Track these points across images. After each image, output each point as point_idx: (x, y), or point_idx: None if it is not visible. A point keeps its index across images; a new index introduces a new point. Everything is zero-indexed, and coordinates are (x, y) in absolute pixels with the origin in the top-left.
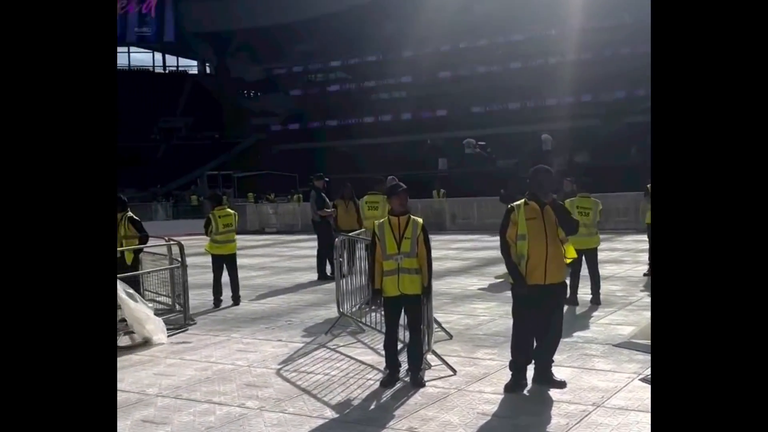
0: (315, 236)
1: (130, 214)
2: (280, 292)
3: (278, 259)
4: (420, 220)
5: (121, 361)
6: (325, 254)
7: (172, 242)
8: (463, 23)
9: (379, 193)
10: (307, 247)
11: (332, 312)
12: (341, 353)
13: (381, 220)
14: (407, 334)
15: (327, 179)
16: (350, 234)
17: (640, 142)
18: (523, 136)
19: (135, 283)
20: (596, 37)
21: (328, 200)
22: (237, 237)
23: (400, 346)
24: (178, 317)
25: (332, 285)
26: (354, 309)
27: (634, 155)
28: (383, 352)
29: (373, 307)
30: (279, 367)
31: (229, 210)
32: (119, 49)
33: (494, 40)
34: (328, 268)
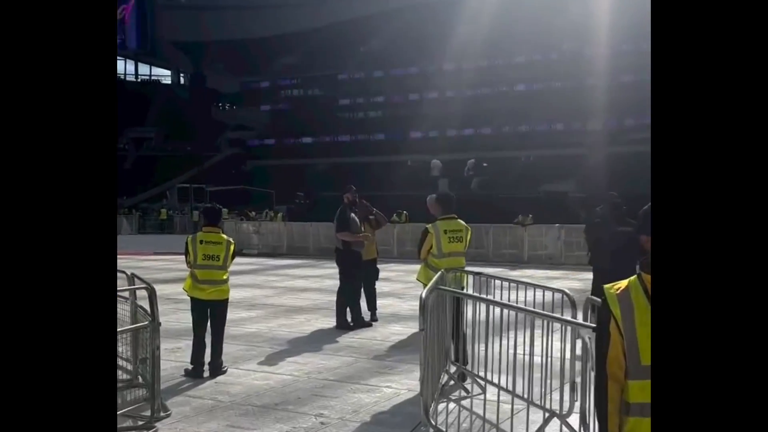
0: (308, 263)
1: None
2: (287, 349)
3: (270, 292)
4: None
5: None
6: (349, 296)
7: (139, 285)
8: (448, 43)
9: (455, 218)
10: (302, 276)
11: (381, 397)
12: None
13: (621, 285)
14: None
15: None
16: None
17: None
18: (506, 162)
19: None
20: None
21: (357, 221)
22: None
23: None
24: (142, 404)
25: (359, 339)
26: (435, 394)
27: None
28: None
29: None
30: None
31: (221, 235)
32: None
33: (479, 62)
34: (349, 315)
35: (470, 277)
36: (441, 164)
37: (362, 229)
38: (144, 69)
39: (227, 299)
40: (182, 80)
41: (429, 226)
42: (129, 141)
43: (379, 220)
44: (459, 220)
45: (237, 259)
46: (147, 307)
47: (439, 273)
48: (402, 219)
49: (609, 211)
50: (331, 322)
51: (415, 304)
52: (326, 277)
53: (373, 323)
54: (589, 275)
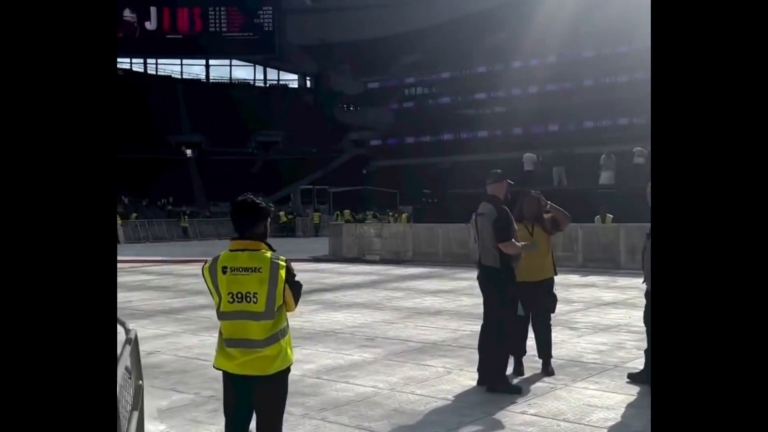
0: (436, 272)
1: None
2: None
3: (393, 316)
4: None
5: None
6: (503, 336)
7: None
8: (572, 35)
9: None
10: (432, 290)
11: None
12: None
13: None
14: None
15: (511, 182)
16: None
17: None
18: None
19: None
20: None
21: (515, 224)
22: (325, 267)
23: None
24: None
25: (539, 419)
26: None
27: None
28: None
29: None
30: None
31: (261, 254)
32: (221, 62)
33: (601, 51)
34: (510, 368)
35: None
36: (536, 157)
37: (531, 233)
38: (272, 74)
39: (280, 374)
40: (308, 83)
41: None
42: (257, 145)
43: (559, 220)
44: None
45: (353, 265)
46: None
47: None
48: (604, 220)
49: None
50: None
51: (598, 340)
52: (461, 292)
53: (548, 377)
54: None
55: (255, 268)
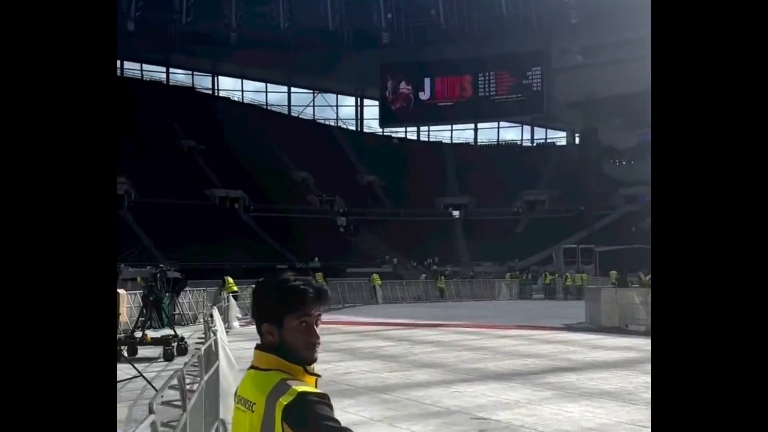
0: None
1: None
2: None
3: (642, 415)
4: None
5: None
6: None
7: None
8: None
9: None
10: None
11: None
12: None
13: None
14: None
15: None
16: None
17: None
18: None
19: None
20: None
21: None
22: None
23: None
24: None
25: None
26: None
27: None
28: None
29: None
30: None
31: (270, 377)
32: (488, 125)
33: None
34: None
35: None
36: None
37: None
38: (539, 133)
39: None
40: (577, 140)
41: None
42: (522, 204)
43: None
44: None
45: (613, 341)
46: None
47: None
48: None
49: None
50: None
51: None
52: None
53: None
54: None
55: (250, 402)
